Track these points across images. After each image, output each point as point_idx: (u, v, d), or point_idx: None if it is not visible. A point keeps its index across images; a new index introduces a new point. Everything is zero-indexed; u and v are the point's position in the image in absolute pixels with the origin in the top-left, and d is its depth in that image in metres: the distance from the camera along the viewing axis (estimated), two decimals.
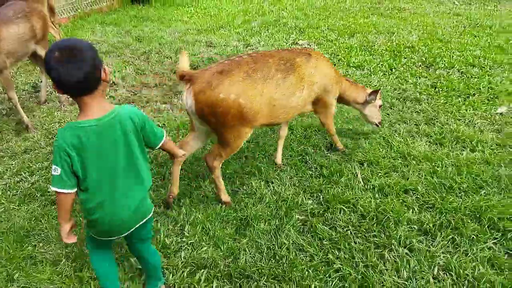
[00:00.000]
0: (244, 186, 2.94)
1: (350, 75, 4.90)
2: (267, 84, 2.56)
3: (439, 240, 2.39)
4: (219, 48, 5.90)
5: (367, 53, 5.62)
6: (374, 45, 5.89)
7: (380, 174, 3.03)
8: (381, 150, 3.33)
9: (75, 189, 1.62)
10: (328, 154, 3.31)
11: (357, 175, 3.02)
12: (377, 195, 2.80)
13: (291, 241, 2.43)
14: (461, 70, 4.93)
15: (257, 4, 8.68)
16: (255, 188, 2.90)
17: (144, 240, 1.93)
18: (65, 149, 1.53)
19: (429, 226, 2.48)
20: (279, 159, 3.20)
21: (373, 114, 3.38)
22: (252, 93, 2.49)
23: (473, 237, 2.40)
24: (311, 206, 2.72)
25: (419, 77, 4.77)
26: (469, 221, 2.52)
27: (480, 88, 4.42)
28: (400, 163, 3.15)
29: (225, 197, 2.76)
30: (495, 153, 3.23)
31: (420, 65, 5.15)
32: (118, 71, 5.13)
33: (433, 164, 3.10)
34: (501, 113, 3.91)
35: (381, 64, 5.18)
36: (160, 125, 3.88)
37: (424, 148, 3.33)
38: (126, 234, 1.79)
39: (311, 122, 3.78)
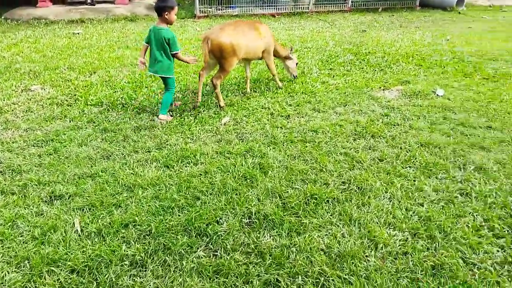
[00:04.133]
0: None
1: (87, 114, 4.63)
2: (245, 34, 4.71)
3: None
4: None
5: (108, 88, 5.49)
6: (116, 79, 5.82)
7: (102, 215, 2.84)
8: (107, 188, 3.16)
9: (147, 45, 4.34)
10: (45, 209, 2.92)
11: (74, 225, 2.75)
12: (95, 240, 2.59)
13: None
14: (195, 92, 5.36)
15: None
16: None
17: (164, 85, 4.49)
18: (149, 30, 4.27)
19: (141, 256, 2.43)
20: (248, 89, 5.36)
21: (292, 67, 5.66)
22: (238, 38, 4.58)
23: None
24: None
25: (155, 106, 4.92)
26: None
27: (206, 106, 4.87)
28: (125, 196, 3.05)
29: (222, 103, 4.78)
30: (215, 161, 3.53)
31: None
32: None
33: (158, 188, 3.13)
34: (224, 123, 4.37)
35: (121, 97, 5.12)
36: None
37: (152, 173, 3.35)
38: (156, 76, 4.55)
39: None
